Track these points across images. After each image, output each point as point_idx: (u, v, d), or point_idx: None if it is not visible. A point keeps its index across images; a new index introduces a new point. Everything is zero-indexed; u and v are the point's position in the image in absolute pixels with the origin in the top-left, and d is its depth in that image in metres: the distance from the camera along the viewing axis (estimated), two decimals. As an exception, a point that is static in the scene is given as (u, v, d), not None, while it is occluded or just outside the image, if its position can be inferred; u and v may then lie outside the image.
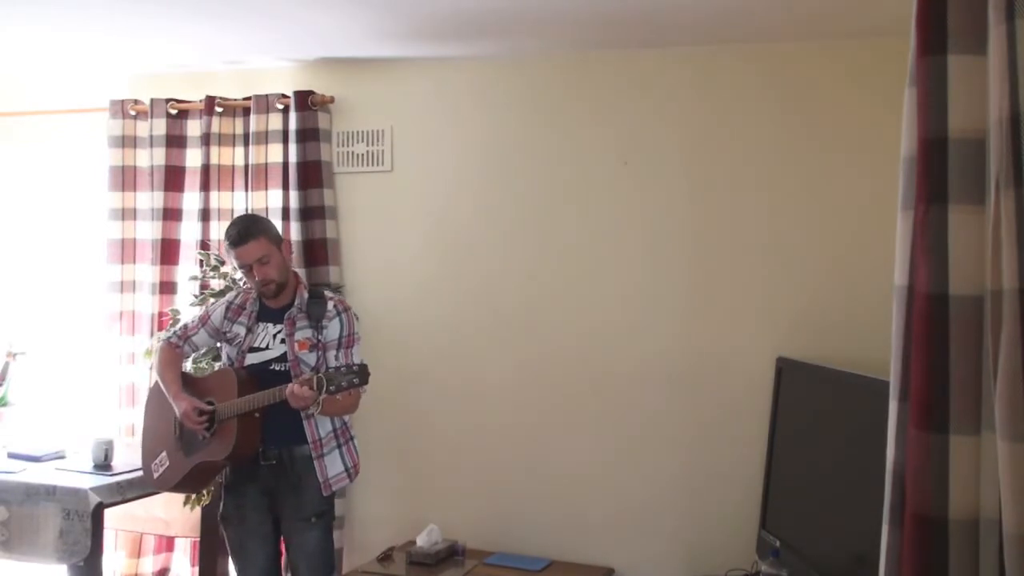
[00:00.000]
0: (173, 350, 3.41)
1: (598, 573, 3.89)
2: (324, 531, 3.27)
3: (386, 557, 3.97)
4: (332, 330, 3.25)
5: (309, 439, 3.20)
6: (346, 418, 3.33)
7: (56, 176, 4.93)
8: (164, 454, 3.36)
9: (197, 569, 4.22)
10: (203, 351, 3.59)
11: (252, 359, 3.27)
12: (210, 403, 3.24)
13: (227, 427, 3.18)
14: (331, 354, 3.24)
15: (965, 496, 1.54)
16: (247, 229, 3.22)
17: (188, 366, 3.71)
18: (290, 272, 3.33)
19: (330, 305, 3.28)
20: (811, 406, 3.42)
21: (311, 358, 3.22)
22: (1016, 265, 1.45)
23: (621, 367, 3.94)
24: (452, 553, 3.97)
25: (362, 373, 3.01)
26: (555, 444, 4.04)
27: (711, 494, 3.81)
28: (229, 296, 3.45)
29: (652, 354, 3.90)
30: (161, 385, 3.36)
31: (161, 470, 3.37)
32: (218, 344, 3.45)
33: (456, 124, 4.18)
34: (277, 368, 3.23)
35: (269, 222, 3.37)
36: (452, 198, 4.19)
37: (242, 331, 3.30)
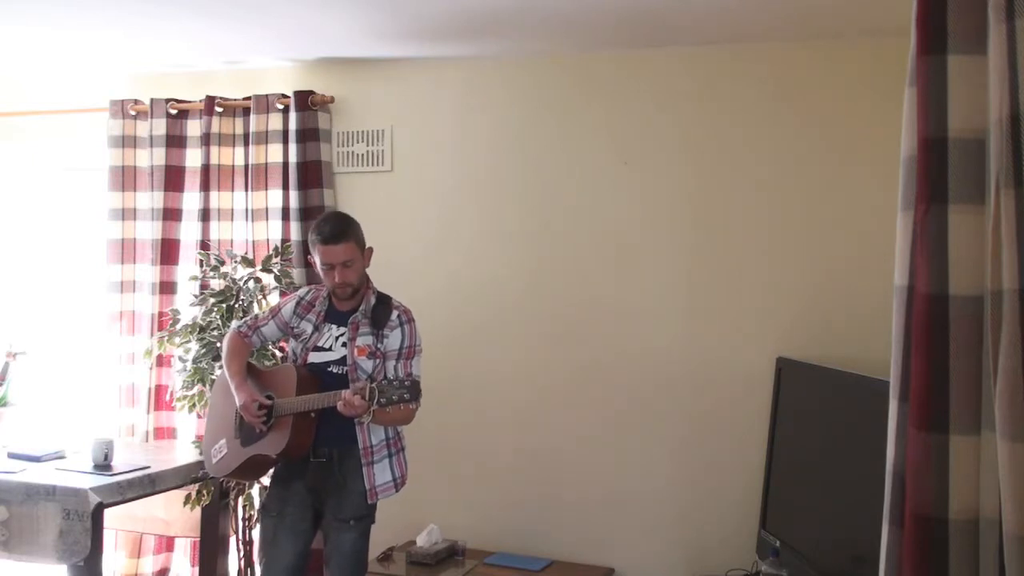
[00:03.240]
0: (242, 339, 3.39)
1: (598, 573, 3.89)
2: (361, 535, 3.27)
3: (386, 557, 3.97)
4: (393, 340, 3.22)
5: (360, 445, 3.18)
6: (399, 428, 3.32)
7: (56, 176, 4.93)
8: (224, 441, 3.37)
9: (197, 569, 4.22)
10: (271, 343, 3.58)
11: (314, 358, 3.25)
12: (269, 397, 3.24)
13: (283, 423, 3.18)
14: (390, 364, 3.21)
15: (965, 496, 1.53)
16: (342, 229, 3.18)
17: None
18: (365, 277, 3.32)
19: (394, 315, 3.25)
20: (811, 406, 3.42)
21: (369, 365, 3.19)
22: (1016, 265, 1.45)
23: (621, 367, 3.94)
24: (452, 553, 3.97)
25: (413, 389, 3.00)
26: (556, 444, 4.04)
27: (711, 494, 3.81)
28: (301, 292, 3.44)
29: (652, 354, 3.90)
30: (225, 373, 3.35)
31: (219, 457, 3.37)
32: (283, 339, 3.45)
33: (456, 124, 4.18)
34: (336, 371, 3.21)
35: (359, 226, 3.27)
36: (452, 198, 4.19)
37: (309, 328, 3.29)
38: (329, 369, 3.22)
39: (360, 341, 3.22)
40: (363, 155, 4.31)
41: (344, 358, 3.21)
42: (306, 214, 4.23)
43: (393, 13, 3.46)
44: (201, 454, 3.62)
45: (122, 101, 4.49)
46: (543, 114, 4.06)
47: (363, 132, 4.30)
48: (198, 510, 3.99)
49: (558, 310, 4.03)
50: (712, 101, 3.82)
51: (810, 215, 3.70)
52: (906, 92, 1.64)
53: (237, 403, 3.24)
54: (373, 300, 3.27)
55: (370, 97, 4.29)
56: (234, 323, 3.57)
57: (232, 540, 4.13)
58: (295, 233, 4.22)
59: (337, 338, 3.25)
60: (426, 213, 4.23)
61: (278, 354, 3.92)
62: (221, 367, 3.46)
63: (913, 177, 1.61)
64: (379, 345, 3.21)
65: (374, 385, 2.98)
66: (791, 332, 3.68)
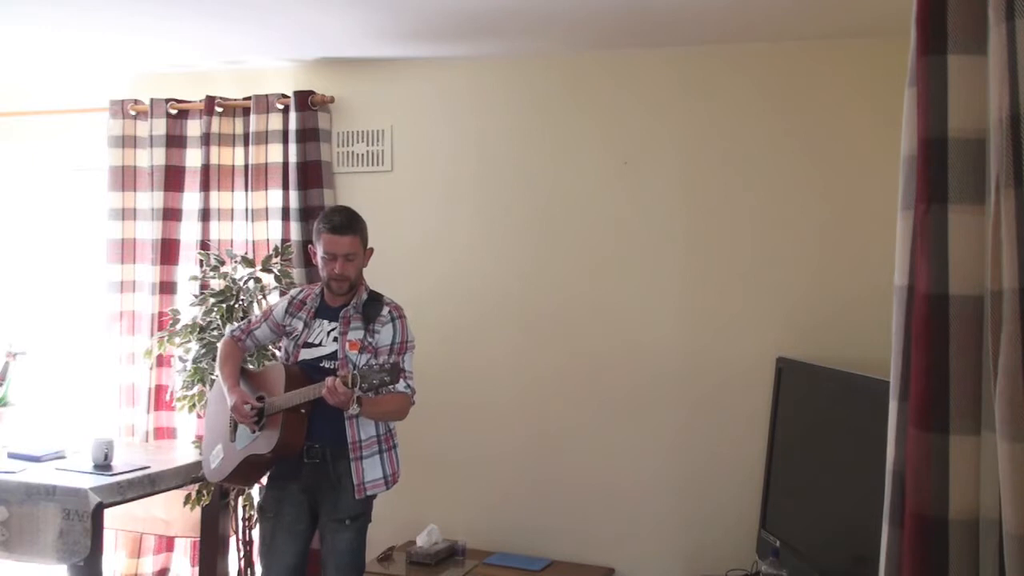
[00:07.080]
0: (235, 344, 3.42)
1: (598, 573, 3.89)
2: (357, 534, 3.27)
3: (386, 557, 3.97)
4: (384, 335, 3.23)
5: (348, 440, 3.19)
6: (392, 425, 3.32)
7: (56, 176, 4.93)
8: (220, 446, 3.39)
9: (197, 569, 4.22)
10: (265, 345, 3.60)
11: (305, 354, 3.27)
12: (260, 397, 3.25)
13: (274, 421, 3.19)
14: (382, 359, 3.21)
15: (965, 496, 1.53)
16: (352, 222, 3.22)
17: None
18: (361, 276, 3.33)
19: (385, 310, 3.26)
20: (811, 406, 3.42)
21: (360, 359, 3.19)
22: (1016, 265, 1.45)
23: (621, 367, 3.94)
24: (452, 553, 3.97)
25: (394, 371, 3.00)
26: (555, 444, 4.04)
27: (711, 494, 3.81)
28: (293, 292, 3.47)
29: (652, 354, 3.90)
30: (219, 378, 3.38)
31: (217, 462, 3.39)
32: (279, 341, 3.46)
33: (456, 124, 4.19)
34: (327, 366, 3.22)
35: (366, 225, 3.30)
36: (452, 198, 4.19)
37: (300, 325, 3.31)
38: (321, 364, 3.23)
39: (351, 335, 3.22)
40: (363, 155, 4.31)
41: (335, 352, 3.22)
42: (306, 214, 4.23)
43: (393, 13, 3.46)
44: (201, 454, 3.63)
45: (122, 101, 4.49)
46: (543, 114, 4.06)
47: (363, 132, 4.30)
48: (198, 510, 3.99)
49: (558, 311, 4.03)
50: (711, 101, 3.82)
51: (810, 215, 3.70)
52: (906, 92, 1.64)
53: (229, 405, 3.25)
54: (365, 296, 3.30)
55: (370, 97, 4.29)
56: (228, 327, 3.58)
57: (232, 540, 4.13)
58: (295, 233, 4.22)
59: (328, 333, 3.27)
60: (426, 213, 4.23)
61: (278, 354, 3.92)
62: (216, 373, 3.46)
63: (913, 177, 1.61)
64: (370, 340, 3.21)
65: (355, 372, 2.98)
66: (791, 332, 3.68)
